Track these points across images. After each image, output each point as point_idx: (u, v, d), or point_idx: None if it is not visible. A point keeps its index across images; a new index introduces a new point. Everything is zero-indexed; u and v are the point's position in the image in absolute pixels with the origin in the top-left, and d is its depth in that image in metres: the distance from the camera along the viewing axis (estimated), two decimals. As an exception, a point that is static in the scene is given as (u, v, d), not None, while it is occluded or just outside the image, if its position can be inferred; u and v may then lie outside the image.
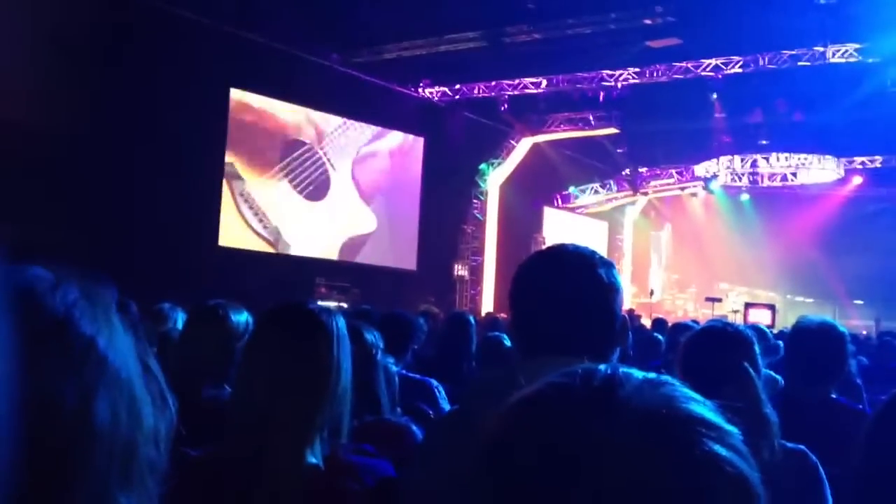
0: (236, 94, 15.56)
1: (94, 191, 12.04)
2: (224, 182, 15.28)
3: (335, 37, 15.68)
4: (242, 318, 2.80)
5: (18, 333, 0.71)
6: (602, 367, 0.74)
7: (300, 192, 16.75)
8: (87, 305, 0.83)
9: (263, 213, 15.98)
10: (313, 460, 1.75)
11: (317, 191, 17.07)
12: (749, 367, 2.13)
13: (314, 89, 16.06)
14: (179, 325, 4.35)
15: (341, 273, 16.17)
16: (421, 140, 19.23)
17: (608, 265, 1.75)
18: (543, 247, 1.96)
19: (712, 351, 2.31)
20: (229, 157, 15.43)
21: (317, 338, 1.82)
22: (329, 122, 17.40)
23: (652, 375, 0.72)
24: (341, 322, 1.88)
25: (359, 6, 14.07)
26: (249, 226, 15.77)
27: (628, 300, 23.46)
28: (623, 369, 0.73)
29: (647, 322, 14.58)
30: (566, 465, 0.63)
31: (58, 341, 0.79)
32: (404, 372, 3.87)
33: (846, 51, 15.26)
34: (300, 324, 1.84)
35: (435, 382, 3.91)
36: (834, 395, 3.14)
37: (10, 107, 11.13)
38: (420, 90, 18.63)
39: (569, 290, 1.70)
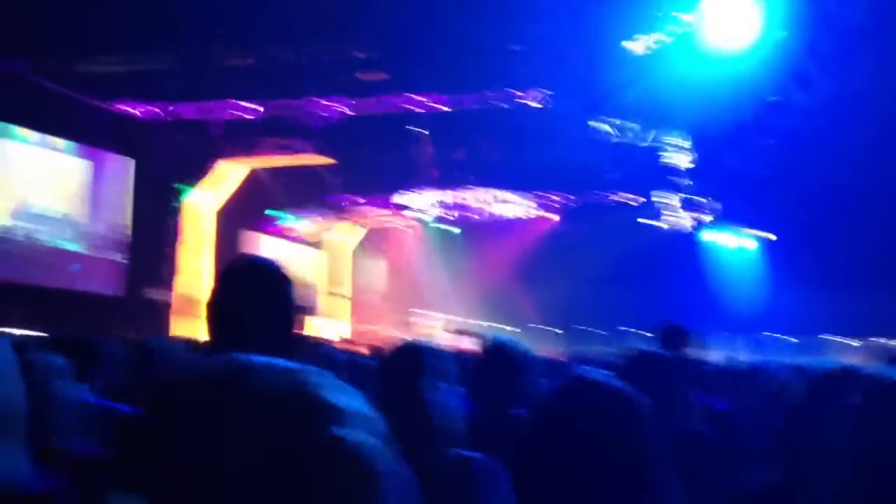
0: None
1: None
2: None
3: (28, 46, 14.46)
4: None
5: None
6: (244, 356, 0.77)
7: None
8: None
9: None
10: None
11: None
12: (420, 386, 2.27)
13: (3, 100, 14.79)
14: None
15: (37, 300, 14.91)
16: (128, 161, 18.35)
17: (285, 279, 1.82)
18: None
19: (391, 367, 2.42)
20: None
21: None
22: (23, 135, 16.13)
23: (293, 364, 0.77)
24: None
25: (54, 16, 13.11)
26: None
27: (350, 330, 23.70)
28: (265, 359, 0.77)
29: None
30: (198, 444, 0.68)
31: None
32: (96, 400, 3.69)
33: (537, 97, 16.54)
34: None
35: (127, 409, 3.74)
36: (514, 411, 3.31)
37: None
38: (126, 108, 17.70)
39: (253, 299, 1.76)
